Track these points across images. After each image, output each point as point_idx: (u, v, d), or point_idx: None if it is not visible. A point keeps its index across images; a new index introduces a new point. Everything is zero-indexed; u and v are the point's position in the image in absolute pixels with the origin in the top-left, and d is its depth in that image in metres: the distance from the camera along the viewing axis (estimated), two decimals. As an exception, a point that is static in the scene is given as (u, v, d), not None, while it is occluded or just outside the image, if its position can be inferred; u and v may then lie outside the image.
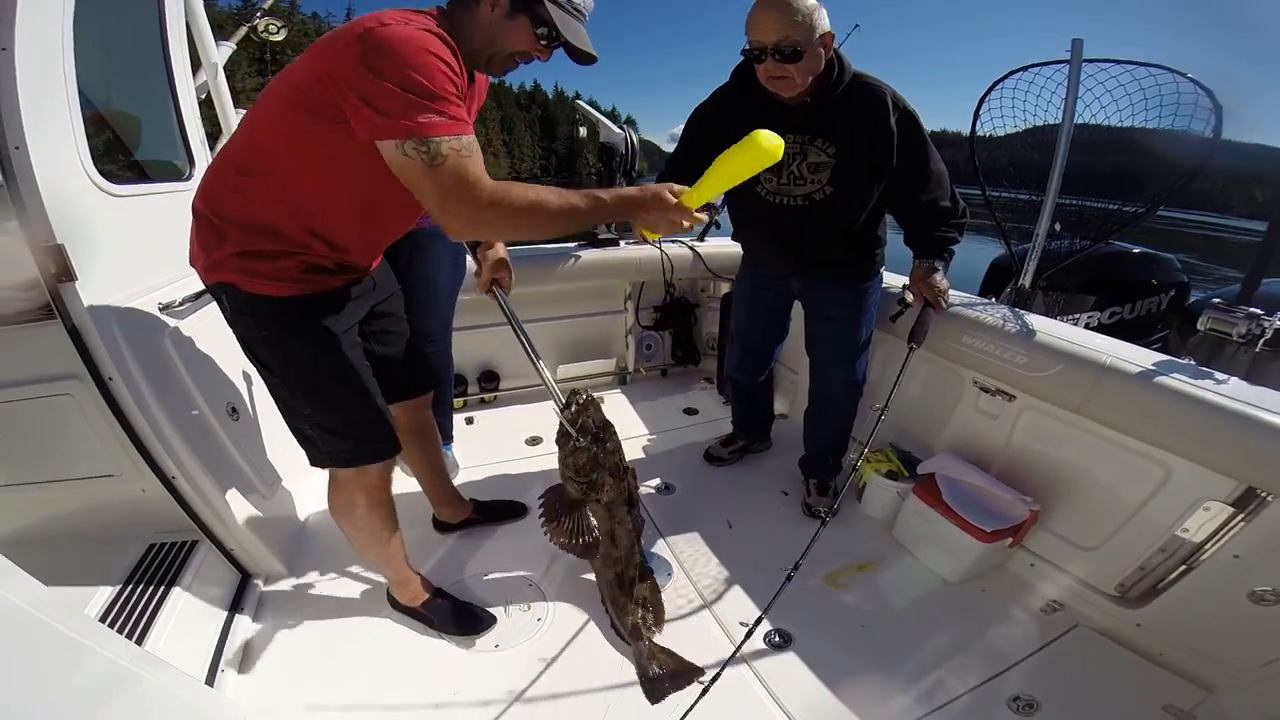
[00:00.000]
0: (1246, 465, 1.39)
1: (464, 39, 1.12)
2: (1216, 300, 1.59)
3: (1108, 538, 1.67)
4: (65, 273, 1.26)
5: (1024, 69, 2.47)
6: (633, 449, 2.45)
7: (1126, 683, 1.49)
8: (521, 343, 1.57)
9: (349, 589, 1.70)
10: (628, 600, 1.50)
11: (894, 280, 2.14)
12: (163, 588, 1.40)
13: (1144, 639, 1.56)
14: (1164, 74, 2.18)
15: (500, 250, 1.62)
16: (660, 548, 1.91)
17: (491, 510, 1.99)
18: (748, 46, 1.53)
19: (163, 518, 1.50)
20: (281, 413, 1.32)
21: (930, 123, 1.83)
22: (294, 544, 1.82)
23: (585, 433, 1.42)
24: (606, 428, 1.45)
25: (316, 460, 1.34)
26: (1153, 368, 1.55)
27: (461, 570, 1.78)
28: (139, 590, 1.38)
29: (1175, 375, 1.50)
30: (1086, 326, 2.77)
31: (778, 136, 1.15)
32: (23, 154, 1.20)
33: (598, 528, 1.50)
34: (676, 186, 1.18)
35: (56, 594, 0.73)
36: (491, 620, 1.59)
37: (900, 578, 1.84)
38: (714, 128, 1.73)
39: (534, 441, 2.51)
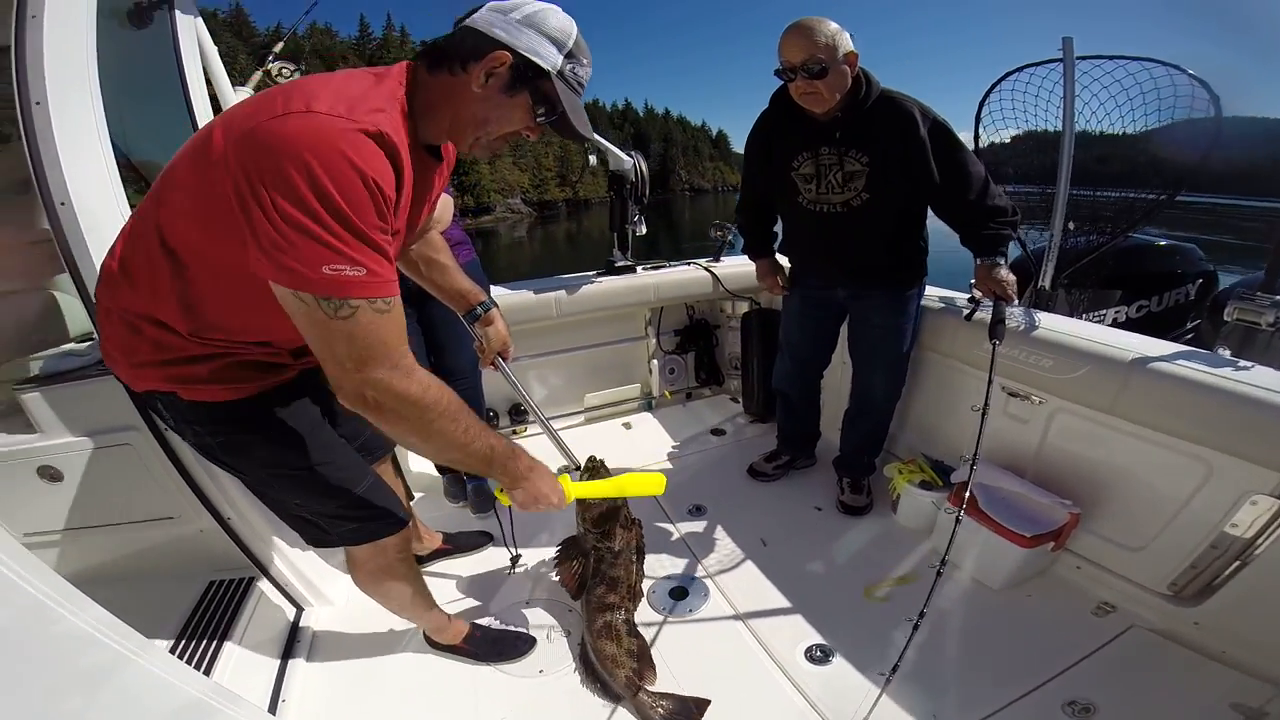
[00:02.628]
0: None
1: (437, 109, 0.95)
2: (1241, 290, 1.58)
3: (1154, 537, 1.64)
4: None
5: (1019, 70, 2.50)
6: (662, 472, 2.48)
7: (1188, 682, 1.45)
8: (529, 408, 1.64)
9: (398, 618, 1.73)
10: (617, 650, 1.50)
11: (934, 292, 2.16)
12: (224, 622, 1.47)
13: (1204, 637, 1.51)
14: (1157, 67, 2.21)
15: (501, 325, 1.52)
16: (695, 569, 1.91)
17: (459, 539, 2.02)
18: (780, 67, 1.68)
19: (220, 556, 1.58)
20: (269, 506, 1.24)
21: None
22: (344, 576, 1.87)
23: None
24: None
25: (325, 542, 1.25)
26: (1180, 362, 1.54)
27: (489, 604, 1.80)
28: (203, 625, 1.46)
29: (1204, 368, 1.49)
30: (1114, 322, 2.75)
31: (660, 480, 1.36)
32: (68, 209, 1.24)
33: (604, 573, 1.60)
34: (563, 485, 1.16)
35: (130, 629, 0.79)
36: (531, 642, 1.61)
37: (943, 590, 1.81)
38: (759, 150, 1.94)
39: (562, 471, 2.55)
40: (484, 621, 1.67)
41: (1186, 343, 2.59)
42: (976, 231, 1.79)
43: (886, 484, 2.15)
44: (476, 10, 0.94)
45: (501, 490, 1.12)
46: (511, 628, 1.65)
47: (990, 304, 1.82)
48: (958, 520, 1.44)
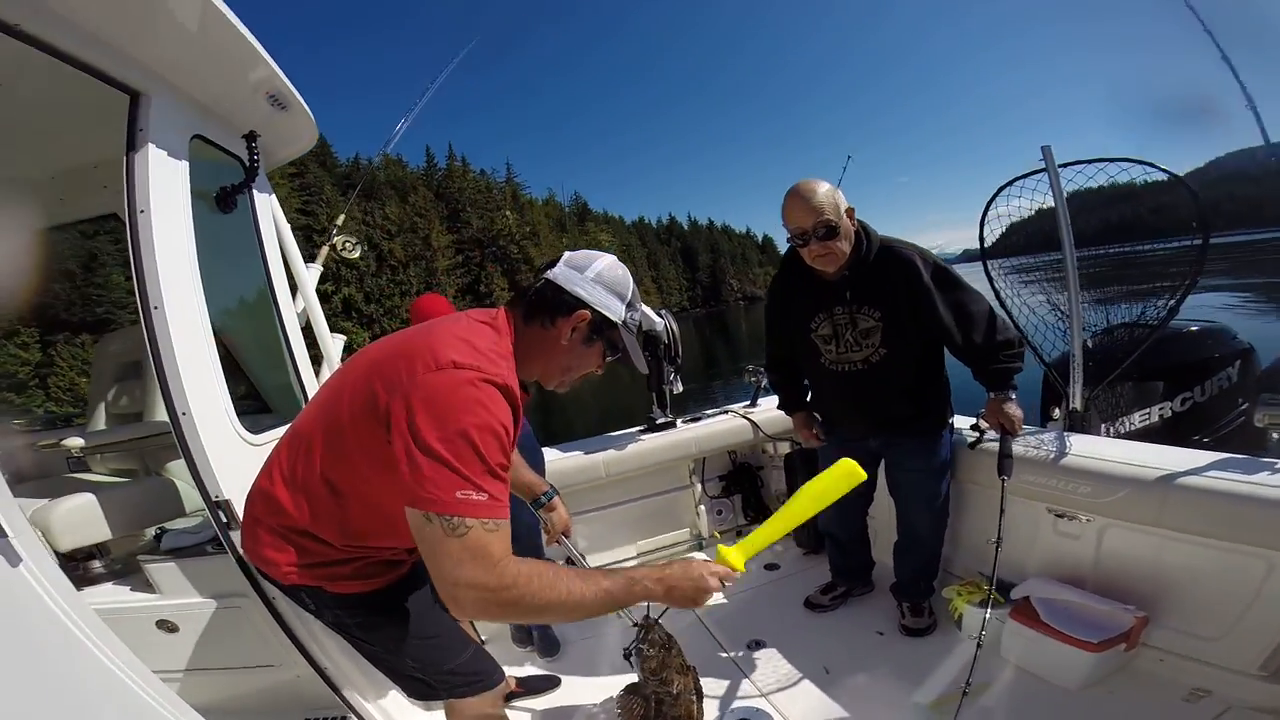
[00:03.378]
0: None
1: (532, 357, 1.14)
2: (1267, 396, 1.61)
3: (1231, 627, 1.61)
4: (234, 521, 1.54)
5: (1010, 184, 2.55)
6: (718, 611, 2.48)
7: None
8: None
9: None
10: None
11: (963, 422, 2.21)
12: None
13: None
14: (1134, 167, 2.28)
15: (562, 510, 1.72)
16: (759, 701, 1.89)
17: (529, 683, 2.10)
18: (790, 235, 1.81)
19: (314, 698, 1.74)
20: (382, 672, 1.39)
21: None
22: (422, 713, 1.94)
23: (654, 644, 1.58)
24: (670, 644, 1.62)
25: (432, 696, 1.38)
26: (1213, 474, 1.59)
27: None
28: None
29: (1238, 476, 1.54)
30: (1161, 419, 2.70)
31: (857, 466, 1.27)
32: (189, 419, 1.45)
33: (666, 713, 1.62)
34: (717, 568, 1.17)
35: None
36: None
37: (1018, 692, 1.78)
38: (778, 312, 2.08)
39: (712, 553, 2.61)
40: None
41: (1238, 427, 2.53)
42: (986, 367, 1.88)
43: (946, 604, 2.11)
44: (555, 264, 1.17)
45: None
46: None
47: (996, 436, 1.91)
48: (980, 645, 1.57)
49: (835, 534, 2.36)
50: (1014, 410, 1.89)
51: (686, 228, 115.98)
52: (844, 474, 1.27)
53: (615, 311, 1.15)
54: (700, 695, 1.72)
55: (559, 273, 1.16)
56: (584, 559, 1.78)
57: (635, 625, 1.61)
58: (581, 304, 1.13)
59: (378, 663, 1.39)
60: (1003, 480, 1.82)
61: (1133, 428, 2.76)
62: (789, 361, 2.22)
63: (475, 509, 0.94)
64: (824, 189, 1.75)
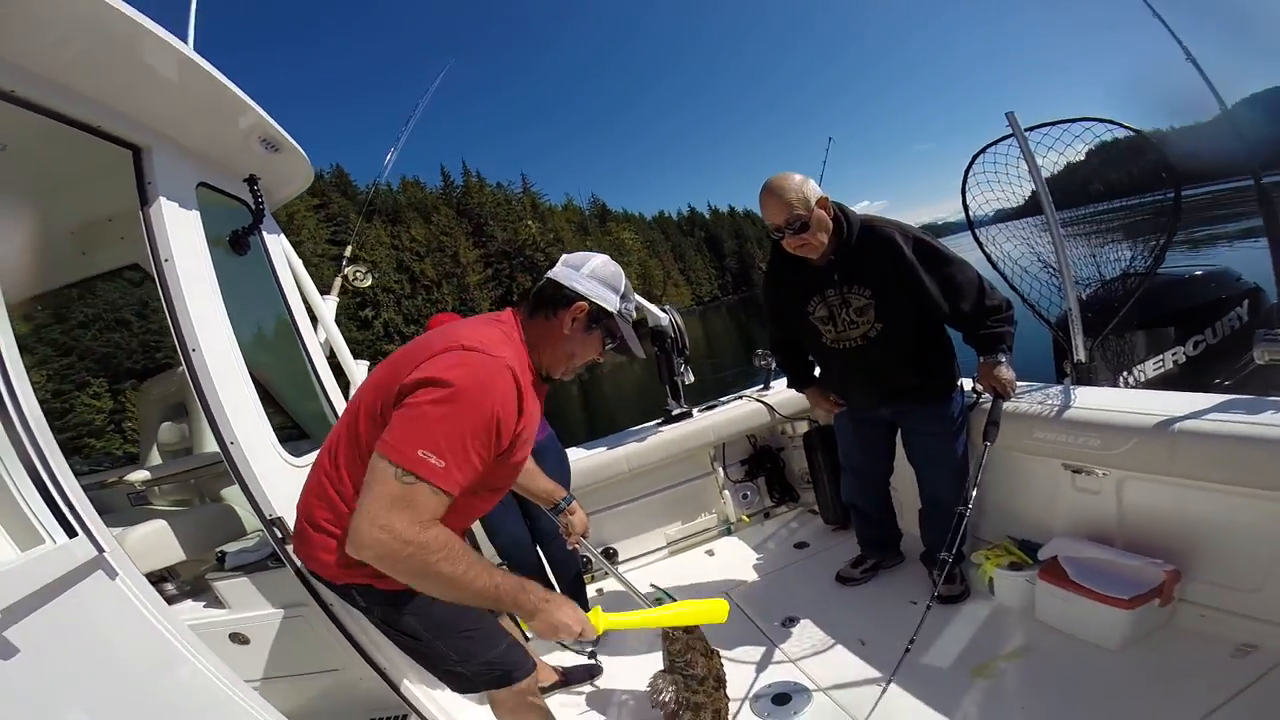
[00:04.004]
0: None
1: (539, 347, 1.29)
2: (1262, 333, 1.56)
3: (1268, 576, 1.58)
4: (287, 536, 1.63)
5: (981, 152, 2.61)
6: (751, 592, 2.55)
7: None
8: (600, 562, 2.03)
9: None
10: None
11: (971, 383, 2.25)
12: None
13: None
14: (1098, 125, 2.35)
15: (580, 515, 1.84)
16: (796, 675, 1.94)
17: (570, 674, 2.20)
18: (769, 230, 1.89)
19: (377, 700, 1.85)
20: (425, 667, 1.52)
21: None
22: (480, 708, 1.99)
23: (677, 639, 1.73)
24: (693, 629, 1.74)
25: (471, 689, 1.50)
26: (1217, 416, 1.59)
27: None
28: None
29: (1241, 417, 1.54)
30: (1175, 364, 2.71)
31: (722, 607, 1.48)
32: (238, 448, 1.57)
33: (689, 699, 1.73)
34: (583, 619, 1.27)
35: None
36: None
37: (1058, 655, 1.77)
38: (774, 299, 2.15)
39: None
40: None
41: (1257, 368, 2.53)
42: (975, 332, 1.93)
43: (976, 570, 2.14)
44: (554, 265, 1.35)
45: (522, 621, 1.29)
46: None
47: (990, 399, 1.95)
48: (928, 606, 1.66)
49: (859, 505, 2.40)
50: (1004, 373, 1.93)
51: (709, 217, 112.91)
52: (710, 610, 1.47)
53: (610, 302, 1.30)
54: (722, 682, 1.77)
55: (558, 271, 1.33)
56: (603, 559, 1.97)
57: (657, 601, 1.74)
58: (579, 296, 1.28)
59: (421, 659, 1.49)
60: (986, 445, 1.86)
61: (1148, 376, 2.77)
62: (791, 343, 2.29)
63: (431, 472, 1.03)
64: (793, 185, 1.80)
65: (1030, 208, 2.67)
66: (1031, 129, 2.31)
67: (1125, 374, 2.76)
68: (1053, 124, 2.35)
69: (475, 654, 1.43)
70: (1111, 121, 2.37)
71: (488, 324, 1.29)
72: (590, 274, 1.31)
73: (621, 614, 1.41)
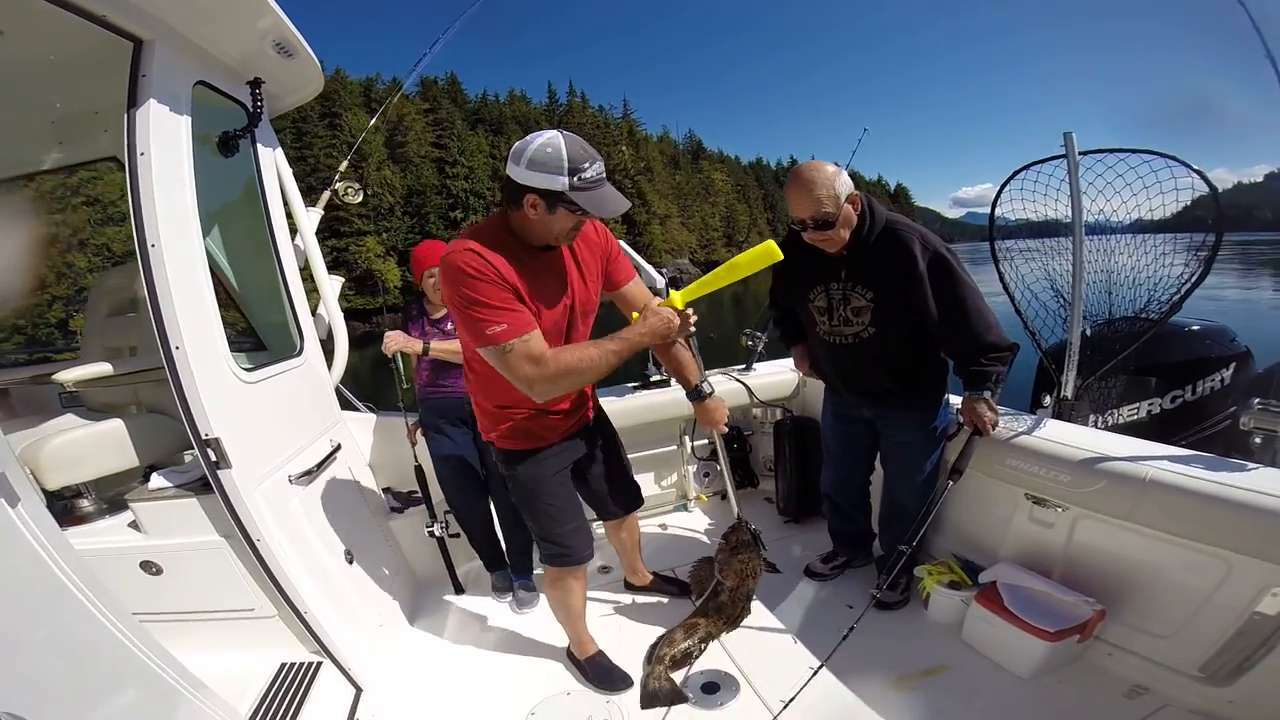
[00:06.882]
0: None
1: (526, 231, 1.45)
2: (1256, 402, 1.59)
3: (1181, 626, 1.65)
4: (223, 460, 1.57)
5: (1027, 167, 2.56)
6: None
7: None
8: (724, 468, 2.29)
9: (447, 700, 1.91)
10: (691, 635, 2.00)
11: (957, 401, 2.21)
12: (295, 699, 1.70)
13: (1240, 715, 1.52)
14: (1157, 160, 2.27)
15: (721, 408, 1.89)
16: (727, 665, 1.96)
17: (663, 582, 2.41)
18: (792, 220, 1.83)
19: (293, 643, 1.81)
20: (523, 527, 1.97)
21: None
22: (401, 663, 2.05)
23: (730, 540, 2.03)
24: (740, 548, 2.01)
25: (534, 558, 1.86)
26: (1193, 473, 1.60)
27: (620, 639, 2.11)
28: (277, 699, 1.70)
29: (1215, 477, 1.55)
30: (1149, 414, 2.72)
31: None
32: (182, 354, 1.47)
33: (711, 599, 2.05)
34: (669, 311, 1.54)
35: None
36: (629, 682, 1.91)
37: (973, 678, 1.84)
38: (782, 271, 2.08)
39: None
40: (608, 650, 2.02)
41: (1222, 430, 2.55)
42: (966, 366, 1.86)
43: (917, 583, 2.17)
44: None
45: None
46: (620, 667, 1.96)
47: (968, 434, 1.93)
48: (864, 611, 1.77)
49: (832, 496, 2.39)
50: (985, 413, 1.89)
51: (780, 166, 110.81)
52: (764, 253, 1.50)
53: (558, 183, 1.33)
54: (749, 596, 2.03)
55: (509, 169, 1.39)
56: (723, 452, 2.29)
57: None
58: (527, 189, 1.35)
59: (518, 516, 1.93)
60: (949, 483, 1.85)
61: (1120, 421, 2.79)
62: (790, 308, 2.24)
63: (505, 336, 1.36)
64: (825, 179, 1.73)
65: (1053, 228, 2.62)
66: (1086, 153, 2.27)
67: (1099, 415, 2.77)
68: (1110, 151, 2.30)
69: (545, 527, 1.76)
70: (1172, 157, 2.27)
71: (484, 224, 1.50)
72: (529, 165, 1.33)
73: (690, 286, 1.58)
